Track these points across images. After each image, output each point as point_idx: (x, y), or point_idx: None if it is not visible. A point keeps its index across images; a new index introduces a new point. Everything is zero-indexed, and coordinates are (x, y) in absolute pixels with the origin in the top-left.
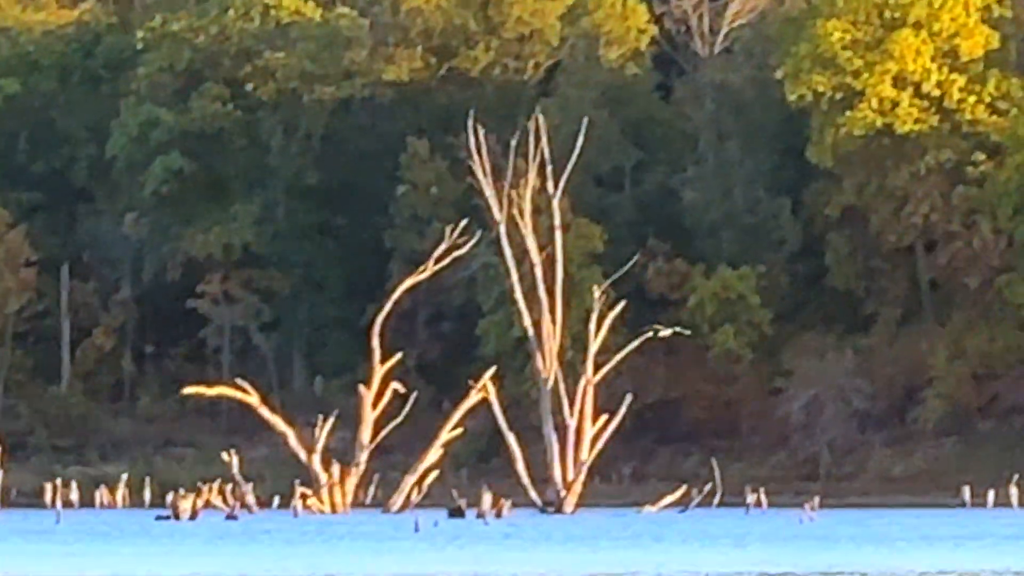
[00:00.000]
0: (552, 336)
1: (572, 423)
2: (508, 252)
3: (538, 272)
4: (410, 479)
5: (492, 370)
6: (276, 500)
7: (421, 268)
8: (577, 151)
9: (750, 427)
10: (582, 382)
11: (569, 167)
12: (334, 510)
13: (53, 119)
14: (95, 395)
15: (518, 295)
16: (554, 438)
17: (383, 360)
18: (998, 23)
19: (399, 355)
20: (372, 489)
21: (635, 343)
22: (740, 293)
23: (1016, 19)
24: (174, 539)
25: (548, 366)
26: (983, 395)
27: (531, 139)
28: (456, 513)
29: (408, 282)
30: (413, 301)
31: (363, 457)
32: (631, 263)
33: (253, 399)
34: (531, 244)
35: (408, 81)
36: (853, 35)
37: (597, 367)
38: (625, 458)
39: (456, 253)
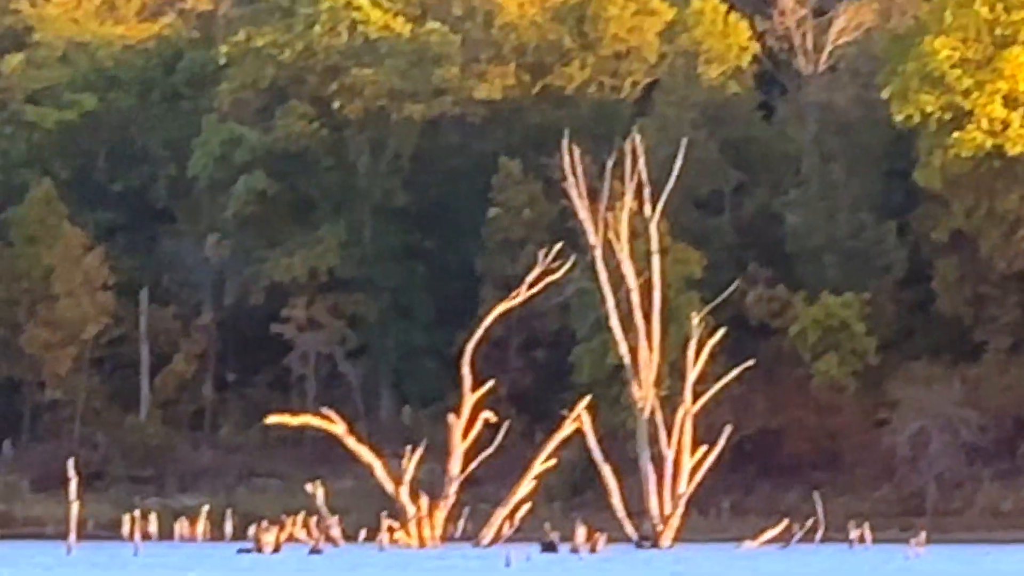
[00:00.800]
0: (649, 364)
1: (670, 454)
2: (604, 277)
3: (635, 298)
4: (501, 512)
5: (587, 399)
6: (362, 533)
7: (513, 293)
8: (675, 173)
9: (854, 459)
10: (680, 412)
11: (667, 189)
12: (422, 544)
13: (132, 137)
14: (175, 424)
15: (614, 321)
16: (651, 470)
17: (474, 388)
18: None
19: (490, 383)
20: (462, 522)
21: (735, 372)
22: (844, 320)
23: None
24: (256, 573)
25: (645, 395)
26: None
27: (628, 160)
28: (549, 547)
29: (500, 308)
30: (505, 327)
31: (452, 489)
32: (731, 289)
33: (339, 429)
34: (627, 269)
35: (500, 99)
36: (962, 53)
37: (695, 396)
38: (724, 491)
39: (550, 278)
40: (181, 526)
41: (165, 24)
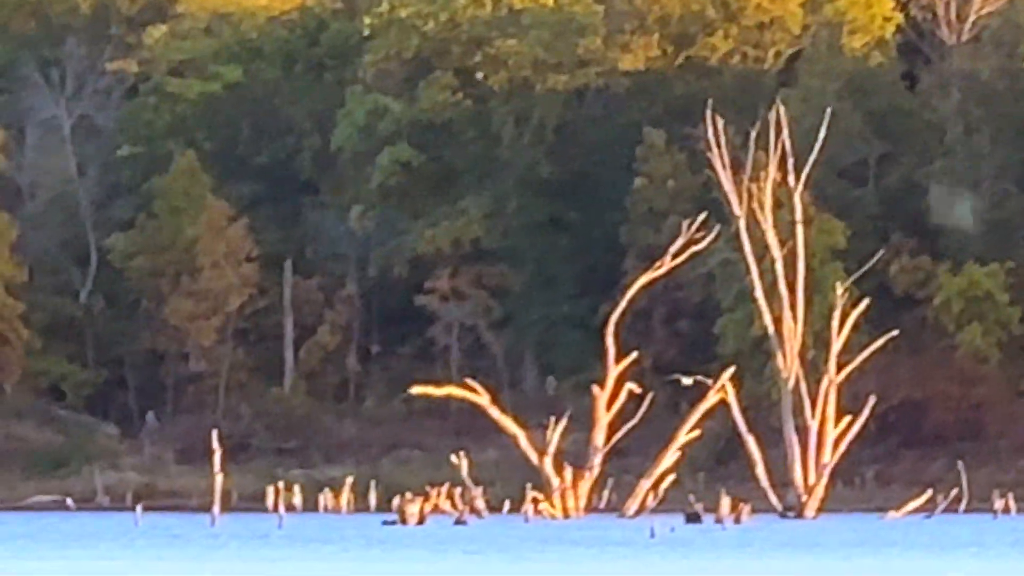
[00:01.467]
0: (793, 335)
1: (814, 425)
2: (748, 247)
3: (779, 268)
4: (645, 483)
5: (731, 370)
6: (506, 505)
7: (657, 264)
8: (819, 143)
9: (998, 430)
10: (824, 382)
11: (811, 160)
12: (567, 515)
13: (276, 108)
14: (319, 395)
15: (758, 292)
16: (795, 440)
17: (618, 359)
18: None
19: (634, 354)
20: (606, 493)
21: (879, 342)
22: (988, 291)
23: None
24: (401, 545)
25: (789, 365)
26: None
27: (771, 130)
28: (693, 518)
29: (644, 279)
30: (649, 298)
31: (597, 460)
32: (875, 260)
33: (483, 400)
34: (771, 239)
35: (644, 70)
36: None
37: (840, 367)
38: (868, 461)
39: (694, 248)
40: (325, 498)
41: None
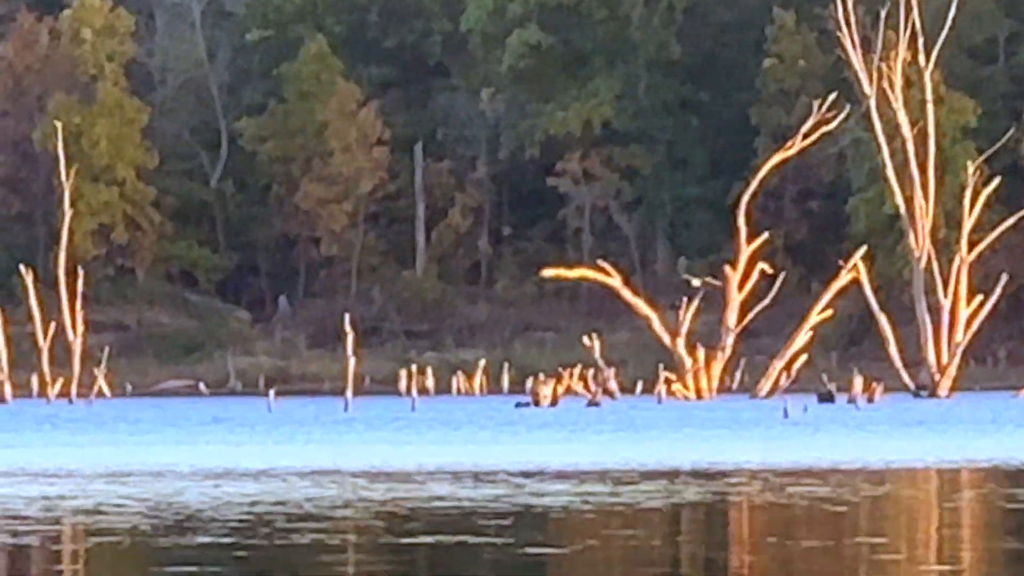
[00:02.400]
0: (925, 214)
1: (946, 304)
2: (878, 127)
3: (910, 147)
4: (778, 363)
5: (863, 249)
6: (639, 386)
7: (788, 144)
8: (949, 22)
9: None
10: (956, 261)
11: (941, 38)
12: (699, 396)
13: None
14: (451, 278)
15: (889, 171)
16: (927, 319)
17: (749, 240)
18: None
19: (766, 235)
20: (739, 374)
21: (1010, 220)
22: None
23: None
24: (535, 426)
25: (921, 245)
26: None
27: (901, 9)
28: (826, 398)
29: (775, 159)
30: (780, 178)
31: (729, 340)
32: (1006, 138)
33: (615, 281)
34: (902, 118)
35: None
36: None
37: (971, 245)
38: (1001, 340)
39: (824, 128)
40: (458, 380)
41: None
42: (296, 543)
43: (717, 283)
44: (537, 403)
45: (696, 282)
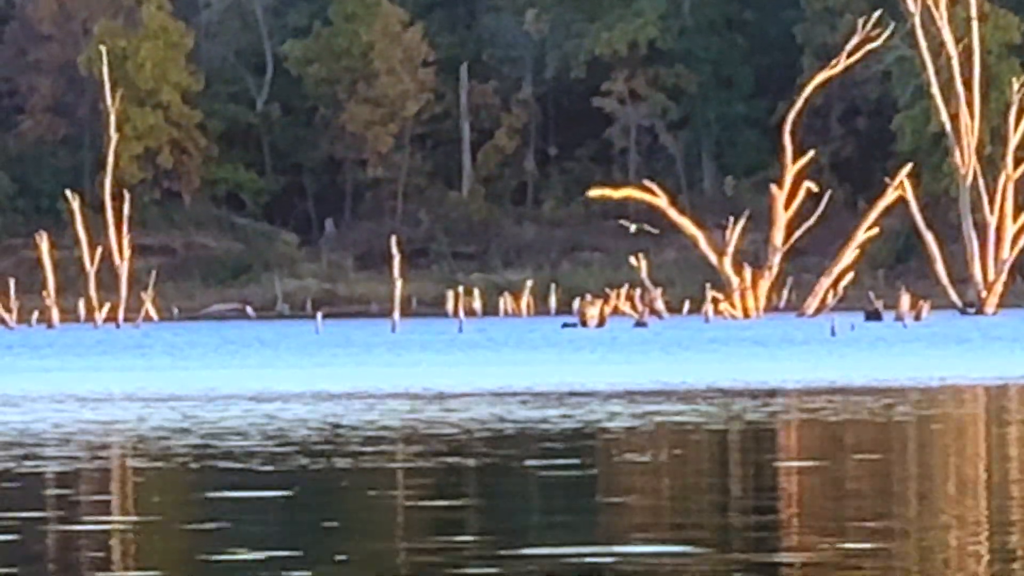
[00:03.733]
0: (970, 131)
1: (992, 220)
2: (923, 44)
3: (955, 65)
4: (825, 281)
5: (908, 167)
6: (686, 305)
7: (833, 62)
8: None
9: None
10: (1002, 178)
11: None
12: (746, 315)
13: None
14: (497, 199)
15: (935, 89)
16: (974, 236)
17: (795, 158)
18: None
19: (812, 153)
20: (785, 292)
21: None
22: None
23: None
24: (583, 347)
25: (967, 162)
26: None
27: None
28: (873, 316)
29: (820, 77)
30: (825, 97)
31: (776, 259)
32: None
33: (661, 201)
34: (947, 36)
35: None
36: None
37: (1017, 162)
38: None
39: (869, 46)
40: (505, 301)
41: None
42: (347, 466)
43: (653, 229)
44: (584, 323)
45: (632, 228)
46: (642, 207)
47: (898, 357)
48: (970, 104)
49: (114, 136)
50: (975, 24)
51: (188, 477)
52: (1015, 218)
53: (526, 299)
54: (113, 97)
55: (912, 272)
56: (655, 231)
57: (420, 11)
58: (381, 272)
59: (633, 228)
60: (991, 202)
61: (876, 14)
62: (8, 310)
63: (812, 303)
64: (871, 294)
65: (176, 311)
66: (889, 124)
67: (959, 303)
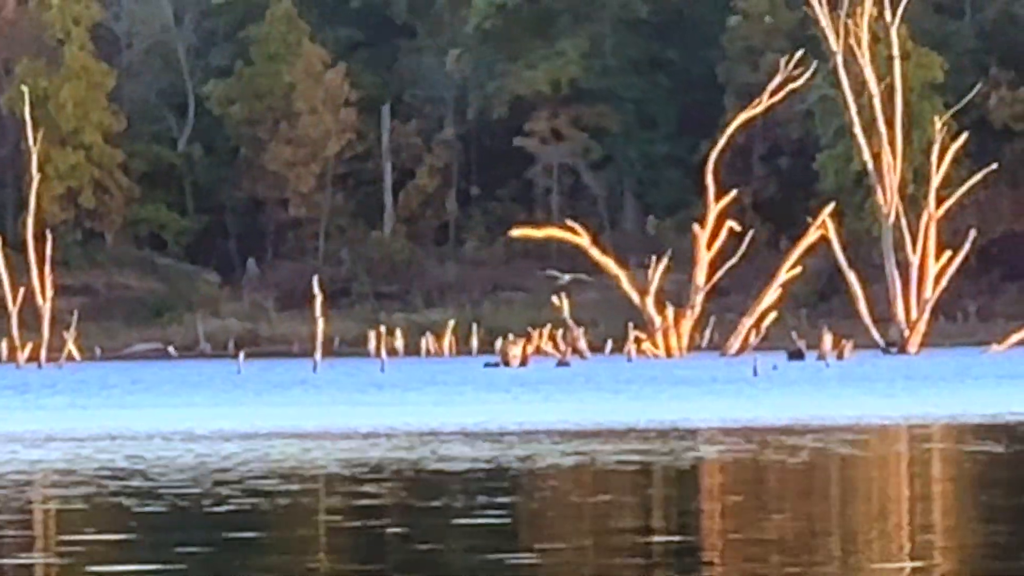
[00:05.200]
0: (893, 170)
1: (915, 260)
2: (846, 83)
3: (877, 104)
4: (747, 321)
5: (831, 206)
6: (609, 345)
7: (756, 101)
8: None
9: None
10: (924, 217)
11: None
12: (669, 354)
13: None
14: (419, 239)
15: (857, 128)
16: (896, 276)
17: (718, 197)
18: None
19: (734, 192)
20: (708, 332)
21: (979, 176)
22: None
23: None
24: (504, 386)
25: (889, 201)
26: None
27: None
28: (796, 355)
29: (742, 116)
30: (748, 136)
31: (698, 299)
32: (973, 93)
33: (583, 240)
34: (869, 75)
35: None
36: None
37: (940, 201)
38: (970, 295)
39: (792, 85)
40: (427, 341)
41: None
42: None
43: (588, 278)
44: (507, 363)
45: (566, 278)
46: (565, 247)
47: (820, 397)
48: (892, 143)
49: (36, 176)
50: (897, 63)
51: (109, 514)
52: (937, 257)
53: (448, 339)
54: (35, 137)
55: (835, 311)
56: (588, 279)
57: (342, 51)
58: (303, 312)
59: (567, 278)
60: (914, 241)
61: (798, 53)
62: None
63: (735, 343)
64: (794, 333)
65: (98, 351)
66: (812, 163)
67: (882, 342)
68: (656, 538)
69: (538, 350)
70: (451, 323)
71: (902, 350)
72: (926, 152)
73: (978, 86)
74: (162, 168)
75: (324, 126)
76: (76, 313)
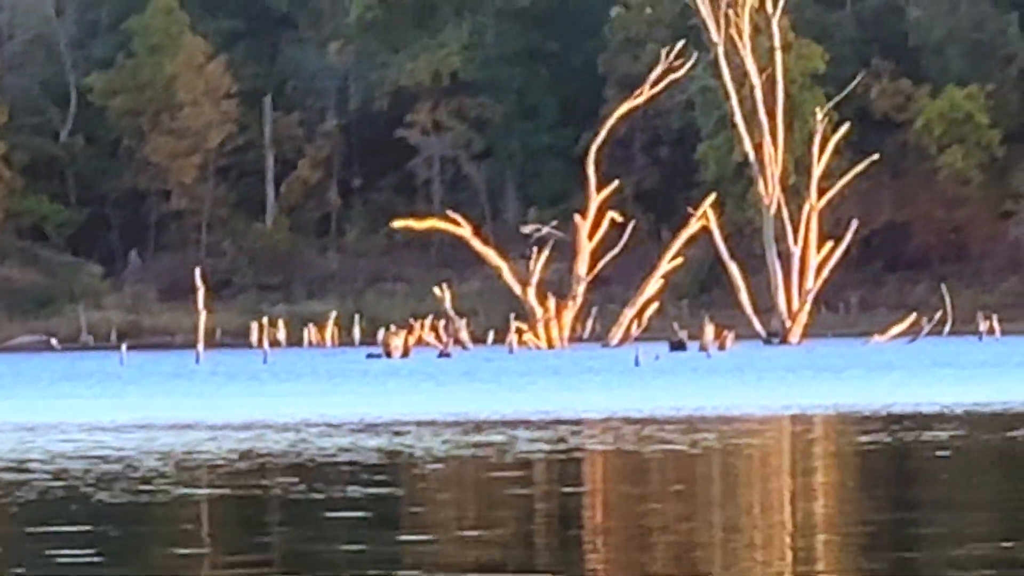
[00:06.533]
0: (774, 160)
1: (796, 250)
2: (727, 74)
3: (758, 94)
4: (629, 312)
5: (712, 196)
6: (490, 335)
7: (637, 92)
8: None
9: (981, 251)
10: (806, 207)
11: None
12: (551, 345)
13: None
14: (301, 230)
15: (738, 119)
16: (778, 266)
17: (599, 188)
18: None
19: (616, 183)
20: (590, 323)
21: (860, 167)
22: (968, 112)
23: None
24: (386, 378)
25: (771, 191)
26: None
27: None
28: (677, 346)
29: (623, 107)
30: (629, 127)
31: (580, 289)
32: (854, 83)
33: (465, 231)
34: (750, 65)
35: None
36: None
37: (821, 192)
38: (852, 286)
39: (673, 76)
40: (309, 332)
41: None
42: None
43: (559, 233)
44: (389, 354)
45: (545, 230)
46: (447, 238)
47: (702, 387)
48: (774, 134)
49: None
50: (778, 54)
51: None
52: (819, 248)
53: (331, 330)
54: None
55: (717, 302)
56: (559, 234)
57: (224, 43)
58: (185, 303)
59: (545, 230)
60: (795, 232)
61: (679, 44)
62: None
63: (616, 333)
64: (675, 324)
65: None
66: (693, 154)
67: (764, 333)
68: (537, 527)
69: (420, 341)
70: (333, 314)
71: (784, 341)
72: (807, 143)
73: (859, 77)
74: (44, 160)
75: (206, 117)
76: None
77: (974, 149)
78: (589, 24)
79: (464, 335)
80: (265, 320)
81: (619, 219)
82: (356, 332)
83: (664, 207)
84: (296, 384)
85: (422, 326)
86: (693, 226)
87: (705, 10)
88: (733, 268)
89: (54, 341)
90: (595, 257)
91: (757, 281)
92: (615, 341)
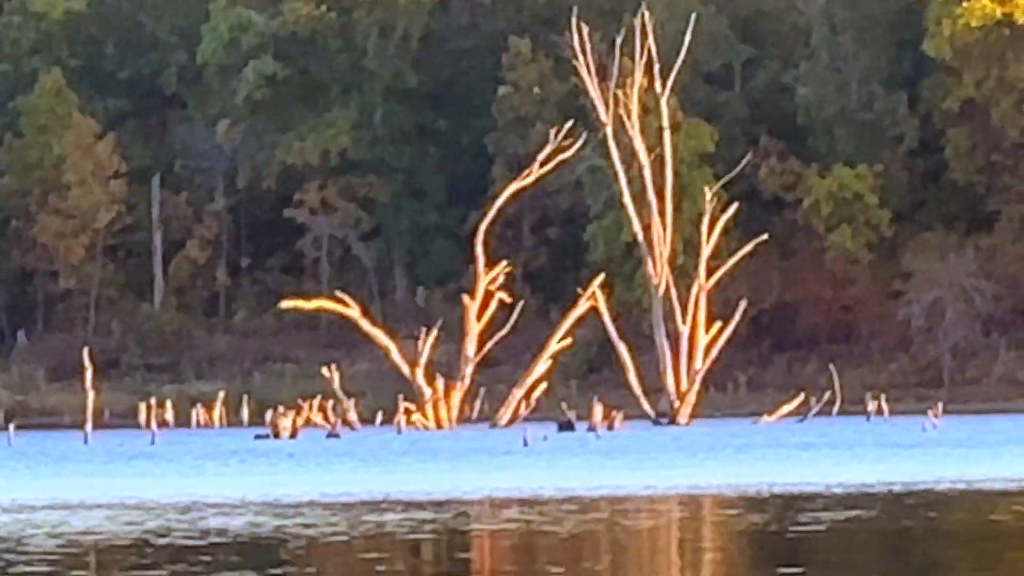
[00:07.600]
0: (663, 240)
1: (685, 331)
2: (615, 154)
3: (647, 174)
4: (518, 392)
5: (601, 277)
6: (379, 416)
7: (525, 172)
8: (685, 48)
9: (869, 332)
10: (695, 288)
11: (677, 65)
12: (439, 425)
13: (141, 24)
14: (189, 310)
15: (627, 199)
16: (667, 347)
17: (487, 268)
18: None
19: (504, 263)
20: (478, 403)
21: (749, 246)
22: (857, 192)
23: None
24: (274, 458)
25: (659, 272)
26: None
27: (637, 36)
28: (566, 427)
29: (512, 187)
30: (518, 207)
31: (468, 370)
32: (743, 163)
33: (353, 312)
34: (639, 145)
35: None
36: None
37: (710, 272)
38: (741, 366)
39: (561, 156)
40: (198, 413)
41: None
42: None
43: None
44: (277, 435)
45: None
46: (335, 318)
47: (590, 467)
48: (663, 214)
49: None
50: (667, 133)
51: None
52: (708, 328)
53: (219, 410)
54: None
55: (605, 382)
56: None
57: (112, 122)
58: (73, 383)
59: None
60: (684, 312)
61: (568, 124)
62: None
63: (505, 414)
64: (564, 404)
65: None
66: (582, 234)
67: (652, 414)
68: None
69: (308, 421)
70: (221, 394)
71: (672, 421)
72: (696, 223)
73: (748, 156)
74: None
75: (94, 197)
76: None
77: (863, 229)
78: (478, 104)
79: (353, 415)
80: (153, 400)
81: (508, 299)
82: (245, 413)
83: (553, 287)
84: (183, 465)
85: (311, 407)
86: (582, 306)
87: (594, 90)
88: (622, 348)
89: None
90: (483, 338)
91: (646, 361)
92: (504, 421)
